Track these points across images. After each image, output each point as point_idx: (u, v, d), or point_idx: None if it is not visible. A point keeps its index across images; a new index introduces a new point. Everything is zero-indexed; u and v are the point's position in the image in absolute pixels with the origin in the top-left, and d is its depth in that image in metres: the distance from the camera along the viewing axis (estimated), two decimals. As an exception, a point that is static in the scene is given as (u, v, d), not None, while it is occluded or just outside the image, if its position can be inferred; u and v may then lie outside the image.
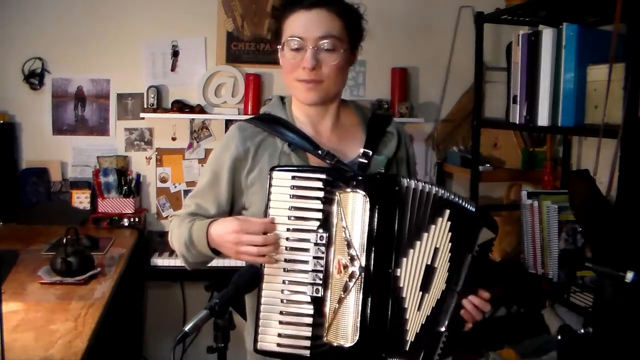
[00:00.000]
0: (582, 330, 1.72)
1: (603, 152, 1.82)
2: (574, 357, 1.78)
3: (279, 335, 1.23)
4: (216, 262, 2.82)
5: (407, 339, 1.26)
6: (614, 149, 1.78)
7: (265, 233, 1.24)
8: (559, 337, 1.84)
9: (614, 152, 1.78)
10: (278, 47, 1.40)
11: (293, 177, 1.24)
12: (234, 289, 1.21)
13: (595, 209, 1.85)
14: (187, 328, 1.09)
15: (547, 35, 2.10)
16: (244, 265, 1.33)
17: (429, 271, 1.26)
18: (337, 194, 1.23)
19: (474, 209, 1.30)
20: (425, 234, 1.26)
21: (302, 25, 1.33)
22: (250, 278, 1.25)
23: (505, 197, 3.13)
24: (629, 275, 1.40)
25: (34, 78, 3.08)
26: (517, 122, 2.29)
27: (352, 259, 1.22)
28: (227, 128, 3.20)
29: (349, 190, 1.23)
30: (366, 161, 1.39)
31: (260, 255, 1.24)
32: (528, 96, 2.21)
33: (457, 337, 1.29)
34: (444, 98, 3.34)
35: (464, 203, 1.29)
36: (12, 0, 3.04)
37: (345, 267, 1.23)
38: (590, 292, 2.01)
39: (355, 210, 1.23)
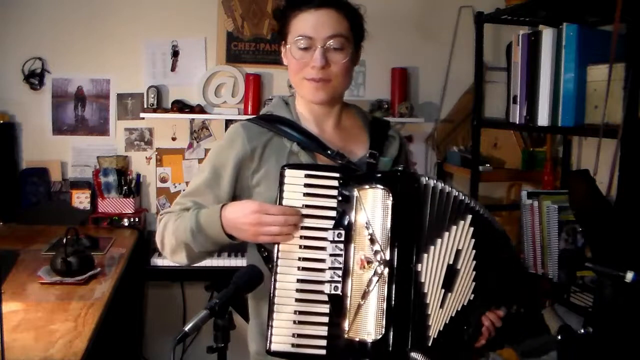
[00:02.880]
0: (582, 330, 1.72)
1: (603, 152, 1.82)
2: (574, 357, 1.77)
3: (294, 335, 1.22)
4: (216, 262, 2.86)
5: (430, 335, 1.26)
6: (614, 149, 1.77)
7: None
8: (559, 337, 1.84)
9: (614, 152, 1.78)
10: (282, 48, 1.41)
11: (306, 176, 1.24)
12: (234, 289, 1.20)
13: (595, 209, 1.85)
14: (187, 328, 1.09)
15: (547, 35, 2.10)
16: (244, 265, 1.32)
17: (452, 271, 1.27)
18: (355, 190, 1.24)
19: (499, 229, 1.33)
20: (447, 233, 1.27)
21: (310, 25, 1.34)
22: (250, 278, 1.24)
23: (506, 197, 3.13)
24: (629, 275, 1.40)
25: (34, 78, 3.09)
26: (517, 122, 2.29)
27: (375, 253, 1.23)
28: (227, 128, 3.20)
29: (367, 186, 1.24)
30: (374, 161, 1.40)
31: (281, 236, 1.24)
32: (528, 96, 2.21)
33: (471, 349, 1.30)
34: (444, 98, 3.34)
35: (487, 216, 1.31)
36: (12, 0, 3.04)
37: (369, 262, 1.23)
38: (590, 292, 2.01)
39: (375, 206, 1.24)
